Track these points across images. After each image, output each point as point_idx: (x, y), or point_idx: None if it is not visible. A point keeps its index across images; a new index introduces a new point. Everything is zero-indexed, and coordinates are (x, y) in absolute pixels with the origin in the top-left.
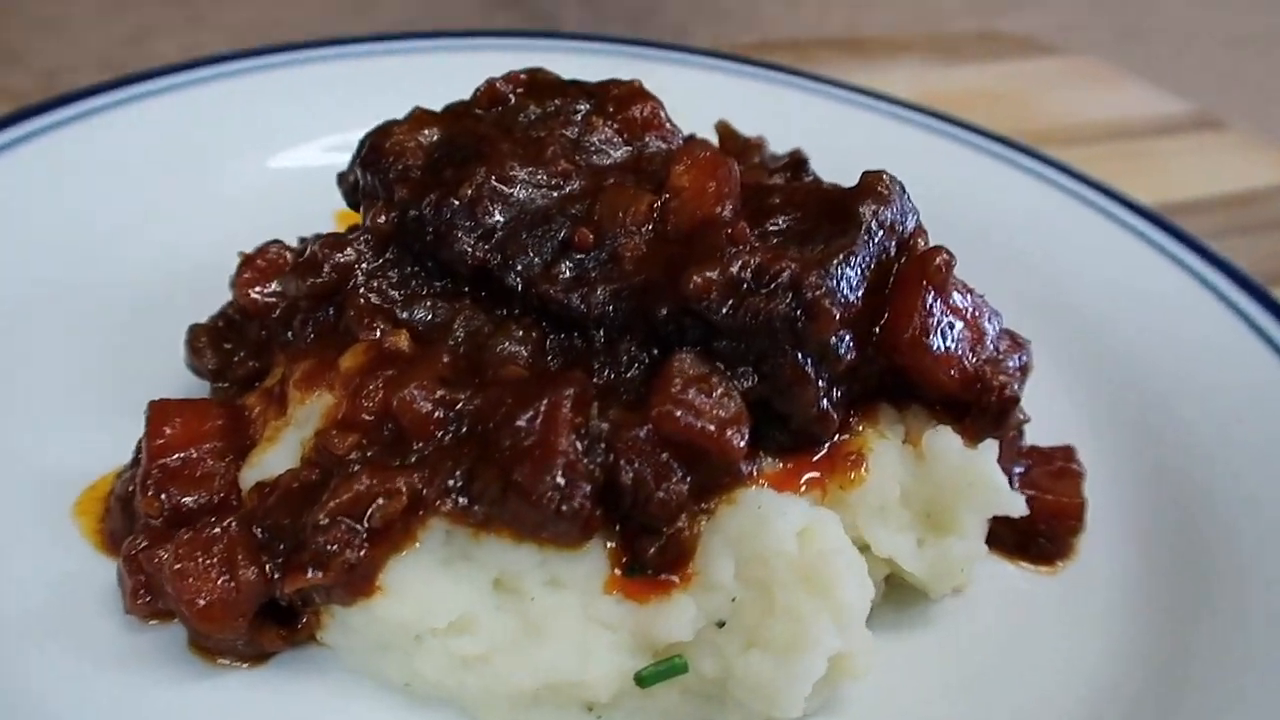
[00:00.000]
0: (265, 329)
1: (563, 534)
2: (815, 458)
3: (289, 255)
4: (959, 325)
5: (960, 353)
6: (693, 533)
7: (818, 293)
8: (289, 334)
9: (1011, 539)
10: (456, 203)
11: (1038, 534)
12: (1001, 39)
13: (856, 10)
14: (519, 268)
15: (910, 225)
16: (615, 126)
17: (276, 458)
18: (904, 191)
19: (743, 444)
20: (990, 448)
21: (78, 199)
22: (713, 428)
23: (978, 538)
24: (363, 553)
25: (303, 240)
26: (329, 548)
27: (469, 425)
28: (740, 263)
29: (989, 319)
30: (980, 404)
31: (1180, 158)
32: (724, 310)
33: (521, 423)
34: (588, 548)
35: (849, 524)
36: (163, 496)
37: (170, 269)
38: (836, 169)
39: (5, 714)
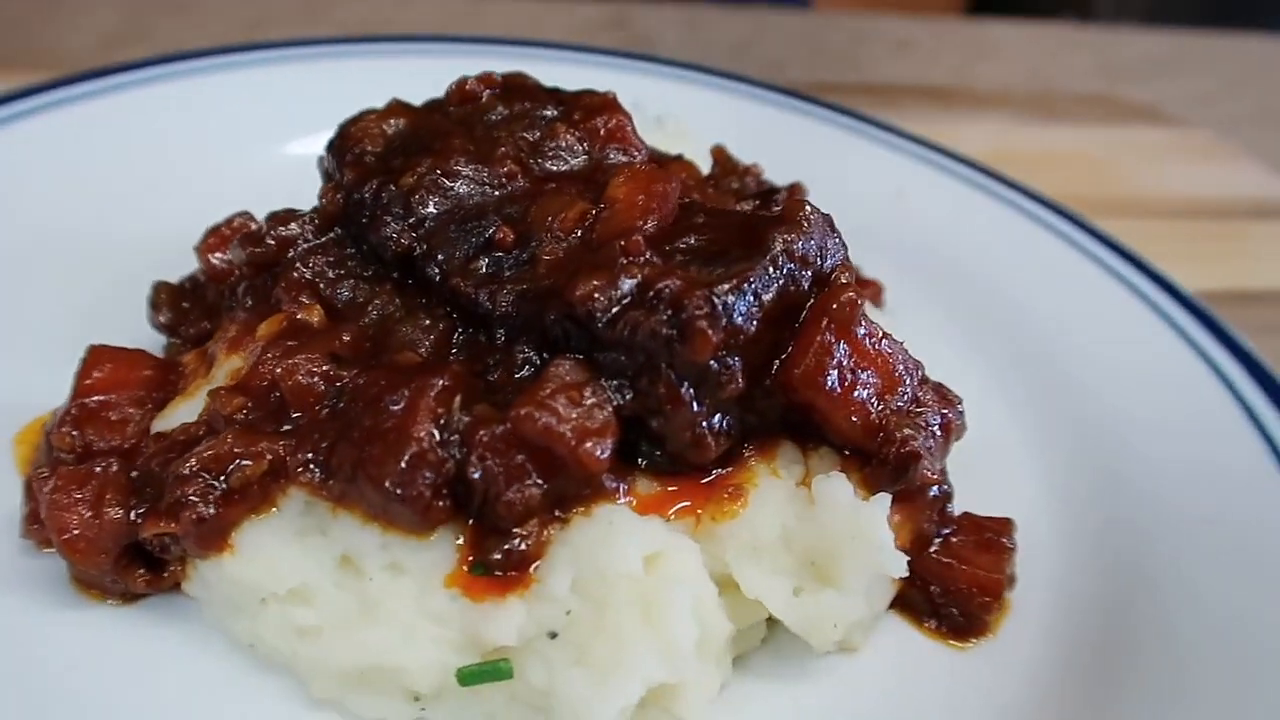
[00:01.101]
0: (221, 293)
1: (401, 519)
2: (697, 484)
3: (252, 226)
4: (866, 370)
5: (863, 398)
6: (540, 539)
7: (697, 313)
8: (234, 299)
9: (925, 606)
10: (394, 190)
11: (949, 605)
12: (1113, 104)
13: (969, 61)
14: (440, 258)
15: (832, 261)
16: (578, 135)
17: (185, 412)
18: (829, 226)
19: (602, 456)
20: (882, 502)
21: (105, 166)
22: (571, 435)
23: (860, 594)
24: (213, 510)
25: None
26: (184, 499)
27: (346, 402)
28: (628, 275)
29: (906, 368)
30: (880, 455)
31: (1270, 244)
32: (603, 321)
33: (386, 405)
34: (435, 538)
35: (716, 558)
36: (74, 434)
37: (175, 236)
38: (850, 209)
39: None
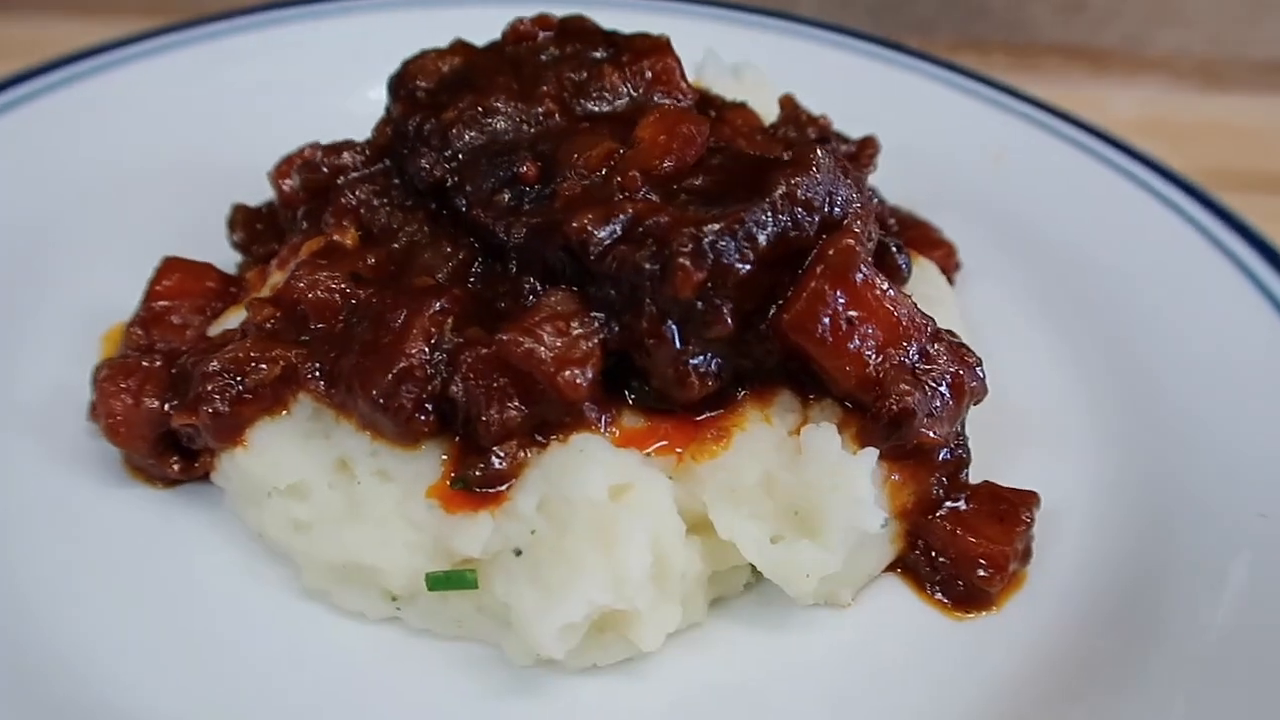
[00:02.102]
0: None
1: (385, 428)
2: (684, 423)
3: (320, 155)
4: (866, 323)
5: (859, 349)
6: (518, 460)
7: (681, 249)
8: (294, 222)
9: (928, 572)
10: (435, 123)
11: (951, 573)
12: None
13: (1147, 24)
14: (468, 189)
15: (844, 209)
16: (623, 76)
17: (235, 320)
18: (843, 173)
19: (580, 384)
20: (867, 456)
21: (212, 103)
22: (551, 362)
23: (838, 548)
24: (228, 407)
25: None
26: (205, 395)
27: (358, 318)
28: (621, 211)
29: (913, 323)
30: (874, 409)
31: None
32: (595, 254)
33: (387, 322)
34: (424, 451)
35: (695, 497)
36: (140, 333)
37: (265, 166)
38: (943, 167)
39: None
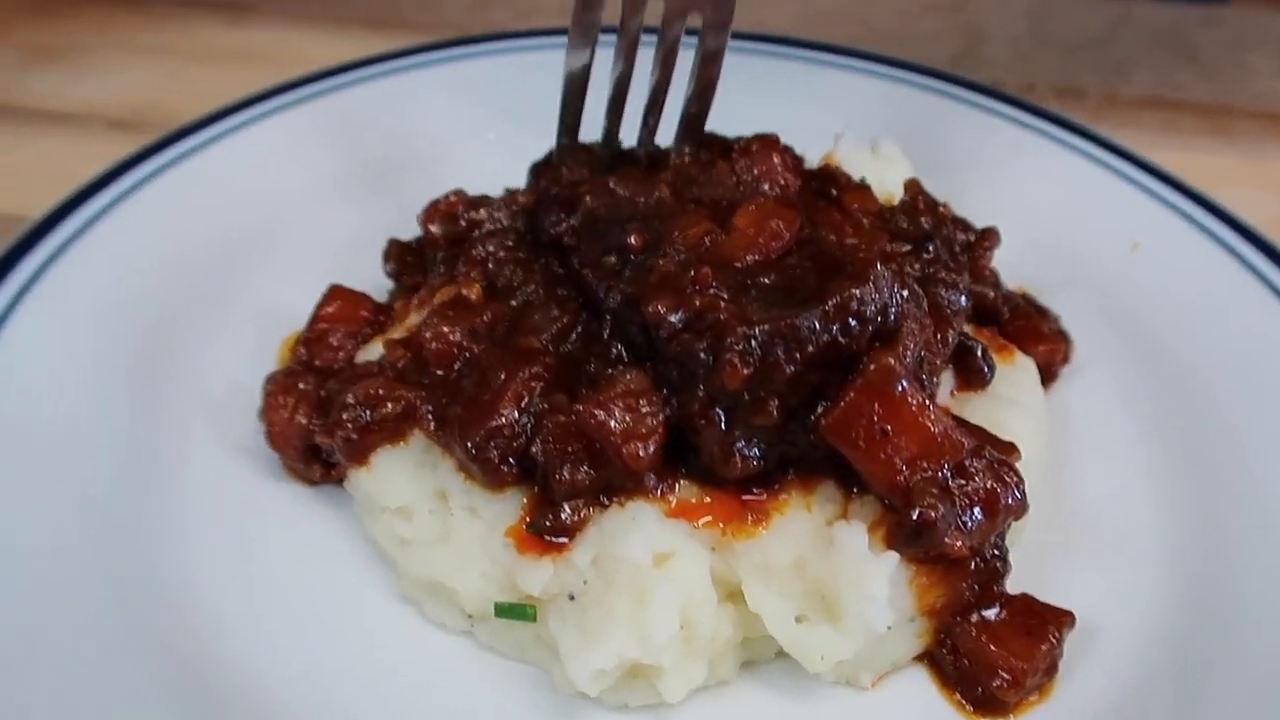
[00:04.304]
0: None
1: (474, 474)
2: (732, 500)
3: (461, 208)
4: (901, 435)
5: (890, 459)
6: (582, 516)
7: (733, 346)
8: (435, 264)
9: (952, 671)
10: (567, 193)
11: (972, 677)
12: None
13: None
14: (583, 249)
15: (895, 320)
16: (731, 170)
17: (376, 350)
18: (900, 286)
19: (643, 456)
20: (886, 560)
21: (388, 141)
22: (619, 434)
23: (853, 637)
24: (356, 435)
25: None
26: (340, 422)
27: (468, 371)
28: (689, 301)
29: (948, 440)
30: (900, 516)
31: None
32: (664, 337)
33: (488, 380)
34: (508, 495)
35: (730, 569)
36: (303, 350)
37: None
38: (1071, 253)
39: (141, 445)
